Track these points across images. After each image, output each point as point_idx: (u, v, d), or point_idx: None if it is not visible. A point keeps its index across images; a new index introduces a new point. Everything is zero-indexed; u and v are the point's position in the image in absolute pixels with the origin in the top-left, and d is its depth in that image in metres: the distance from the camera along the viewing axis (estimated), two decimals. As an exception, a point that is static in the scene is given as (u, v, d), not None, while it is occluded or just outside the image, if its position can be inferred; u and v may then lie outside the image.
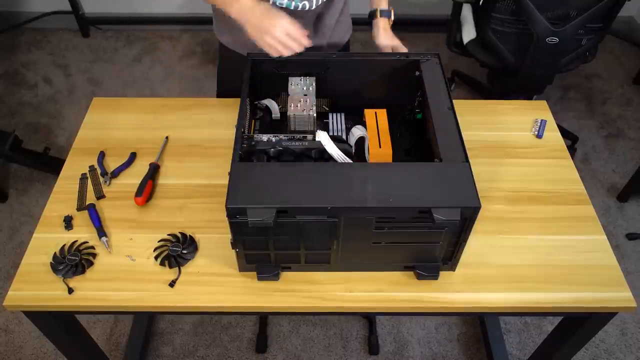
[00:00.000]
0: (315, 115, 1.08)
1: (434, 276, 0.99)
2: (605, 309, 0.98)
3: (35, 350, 1.63)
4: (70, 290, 0.96)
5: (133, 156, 1.19)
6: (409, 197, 0.88)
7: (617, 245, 1.92)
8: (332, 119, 1.18)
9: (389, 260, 0.99)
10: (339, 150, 1.01)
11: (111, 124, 1.27)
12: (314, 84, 1.13)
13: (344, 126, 1.16)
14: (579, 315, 1.04)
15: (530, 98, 2.12)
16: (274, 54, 1.06)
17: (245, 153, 0.99)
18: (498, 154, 1.23)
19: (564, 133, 2.24)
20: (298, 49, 1.05)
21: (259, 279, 0.98)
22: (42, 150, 2.08)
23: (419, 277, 0.99)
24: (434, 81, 1.09)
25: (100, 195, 1.11)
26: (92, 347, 1.25)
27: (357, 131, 1.10)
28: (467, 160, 0.93)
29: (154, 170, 1.15)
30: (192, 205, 1.10)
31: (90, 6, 2.77)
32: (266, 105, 1.19)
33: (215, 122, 1.27)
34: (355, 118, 1.15)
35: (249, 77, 1.09)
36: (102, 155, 1.19)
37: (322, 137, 1.02)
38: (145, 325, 1.65)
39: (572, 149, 2.24)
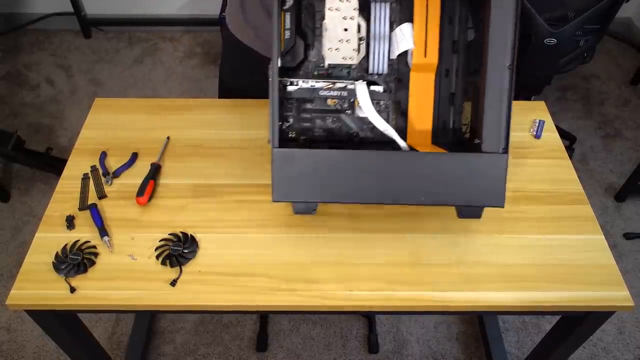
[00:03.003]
0: (358, 62, 0.96)
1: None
2: (603, 308, 0.99)
3: (37, 348, 1.64)
4: (72, 290, 0.97)
5: (135, 156, 1.20)
6: (439, 195, 0.95)
7: (615, 244, 1.93)
8: (375, 11, 1.01)
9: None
10: (375, 113, 0.96)
11: (113, 125, 1.27)
12: (356, 10, 0.92)
13: (387, 25, 0.99)
14: (576, 314, 1.05)
15: (528, 99, 2.12)
16: None
17: (279, 101, 0.93)
18: (496, 154, 1.23)
19: (562, 133, 2.25)
20: None
21: (296, 213, 1.02)
22: (44, 150, 2.09)
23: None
24: (503, 16, 0.90)
25: (102, 195, 1.12)
26: (94, 345, 1.26)
27: (402, 40, 0.96)
28: (506, 150, 0.93)
29: (155, 170, 1.16)
30: (193, 205, 1.11)
31: (92, 7, 2.78)
32: None
33: (216, 123, 1.28)
34: (403, 5, 1.01)
35: None
36: (103, 156, 1.20)
37: (361, 92, 0.93)
38: (147, 324, 1.65)
39: (570, 149, 2.24)
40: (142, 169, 1.17)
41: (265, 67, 1.25)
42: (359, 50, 0.97)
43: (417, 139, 1.03)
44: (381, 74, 1.02)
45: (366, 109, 0.95)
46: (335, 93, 0.95)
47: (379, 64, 1.00)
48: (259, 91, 1.32)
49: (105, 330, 1.69)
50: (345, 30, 0.91)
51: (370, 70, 1.00)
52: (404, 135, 1.03)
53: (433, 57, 0.97)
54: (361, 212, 1.09)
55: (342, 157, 0.92)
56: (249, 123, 1.27)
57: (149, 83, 2.58)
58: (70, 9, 2.70)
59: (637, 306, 1.76)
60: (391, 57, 1.01)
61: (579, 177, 1.19)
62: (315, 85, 0.95)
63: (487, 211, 1.11)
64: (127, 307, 0.98)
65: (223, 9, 2.33)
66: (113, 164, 1.19)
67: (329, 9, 0.90)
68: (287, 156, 0.90)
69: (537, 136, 1.27)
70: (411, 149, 0.99)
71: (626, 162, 2.23)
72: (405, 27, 0.94)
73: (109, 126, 1.27)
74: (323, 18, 0.96)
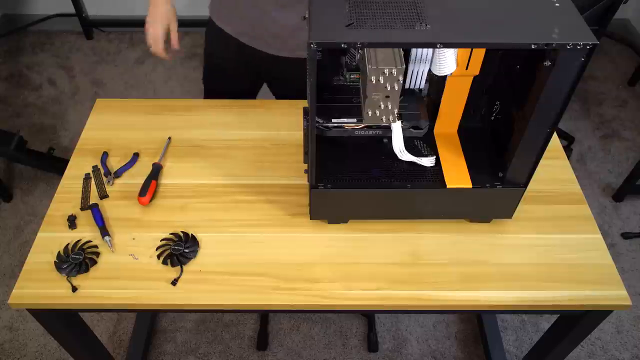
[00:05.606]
0: (396, 120, 0.93)
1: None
2: (601, 307, 1.00)
3: (39, 347, 1.65)
4: (74, 289, 0.98)
5: (136, 156, 1.21)
6: (457, 214, 1.09)
7: (613, 244, 1.94)
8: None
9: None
10: (407, 153, 1.00)
11: (114, 125, 1.28)
12: (400, 80, 0.84)
13: (430, 50, 0.94)
14: (574, 313, 1.05)
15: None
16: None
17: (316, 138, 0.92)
18: (495, 154, 1.24)
19: (561, 134, 2.26)
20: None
21: (330, 223, 1.09)
22: (46, 150, 2.10)
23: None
24: (558, 89, 0.83)
25: (103, 195, 1.13)
26: (96, 344, 1.27)
27: (444, 63, 0.91)
28: (526, 184, 1.00)
29: (156, 171, 1.17)
30: (194, 204, 1.12)
31: (94, 8, 2.79)
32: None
33: (216, 123, 1.29)
34: None
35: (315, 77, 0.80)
36: (105, 156, 1.21)
37: (396, 132, 0.96)
38: (148, 323, 1.66)
39: (568, 150, 2.25)
40: (143, 169, 1.18)
41: (249, 54, 1.32)
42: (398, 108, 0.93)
43: (445, 125, 1.09)
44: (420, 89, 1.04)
45: (397, 148, 1.00)
46: (371, 132, 1.01)
47: (417, 81, 1.00)
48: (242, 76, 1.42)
49: (106, 329, 1.70)
50: (387, 97, 0.87)
51: (408, 85, 1.02)
52: (433, 119, 1.07)
53: (475, 70, 0.94)
54: (360, 211, 1.10)
55: (371, 196, 1.02)
56: (250, 123, 1.28)
57: (150, 84, 2.59)
58: (72, 10, 2.71)
59: (634, 305, 1.77)
60: (431, 71, 0.96)
61: (577, 177, 1.19)
62: (349, 126, 1.00)
63: (485, 211, 1.11)
64: (128, 306, 0.98)
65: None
66: (114, 164, 1.20)
67: (370, 79, 0.83)
68: (323, 194, 1.01)
69: (535, 136, 1.28)
70: (437, 160, 1.03)
71: (624, 162, 2.24)
72: (449, 50, 0.88)
73: (111, 126, 1.28)
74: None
